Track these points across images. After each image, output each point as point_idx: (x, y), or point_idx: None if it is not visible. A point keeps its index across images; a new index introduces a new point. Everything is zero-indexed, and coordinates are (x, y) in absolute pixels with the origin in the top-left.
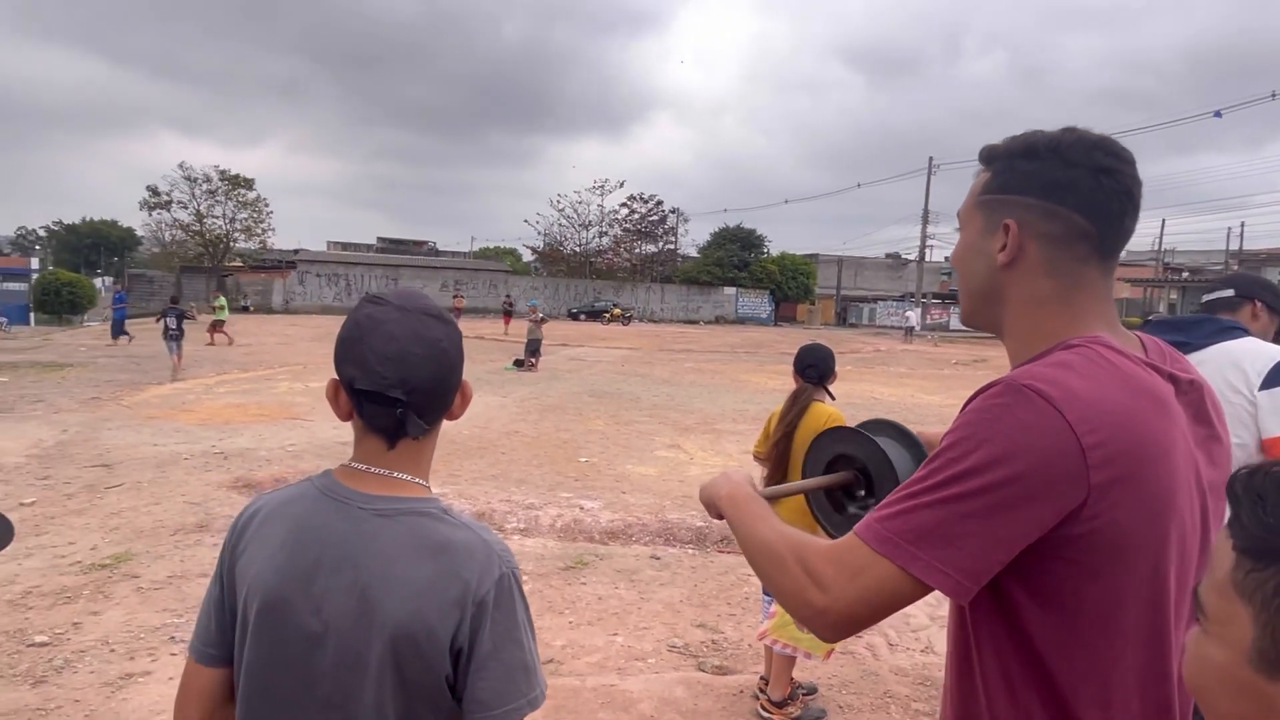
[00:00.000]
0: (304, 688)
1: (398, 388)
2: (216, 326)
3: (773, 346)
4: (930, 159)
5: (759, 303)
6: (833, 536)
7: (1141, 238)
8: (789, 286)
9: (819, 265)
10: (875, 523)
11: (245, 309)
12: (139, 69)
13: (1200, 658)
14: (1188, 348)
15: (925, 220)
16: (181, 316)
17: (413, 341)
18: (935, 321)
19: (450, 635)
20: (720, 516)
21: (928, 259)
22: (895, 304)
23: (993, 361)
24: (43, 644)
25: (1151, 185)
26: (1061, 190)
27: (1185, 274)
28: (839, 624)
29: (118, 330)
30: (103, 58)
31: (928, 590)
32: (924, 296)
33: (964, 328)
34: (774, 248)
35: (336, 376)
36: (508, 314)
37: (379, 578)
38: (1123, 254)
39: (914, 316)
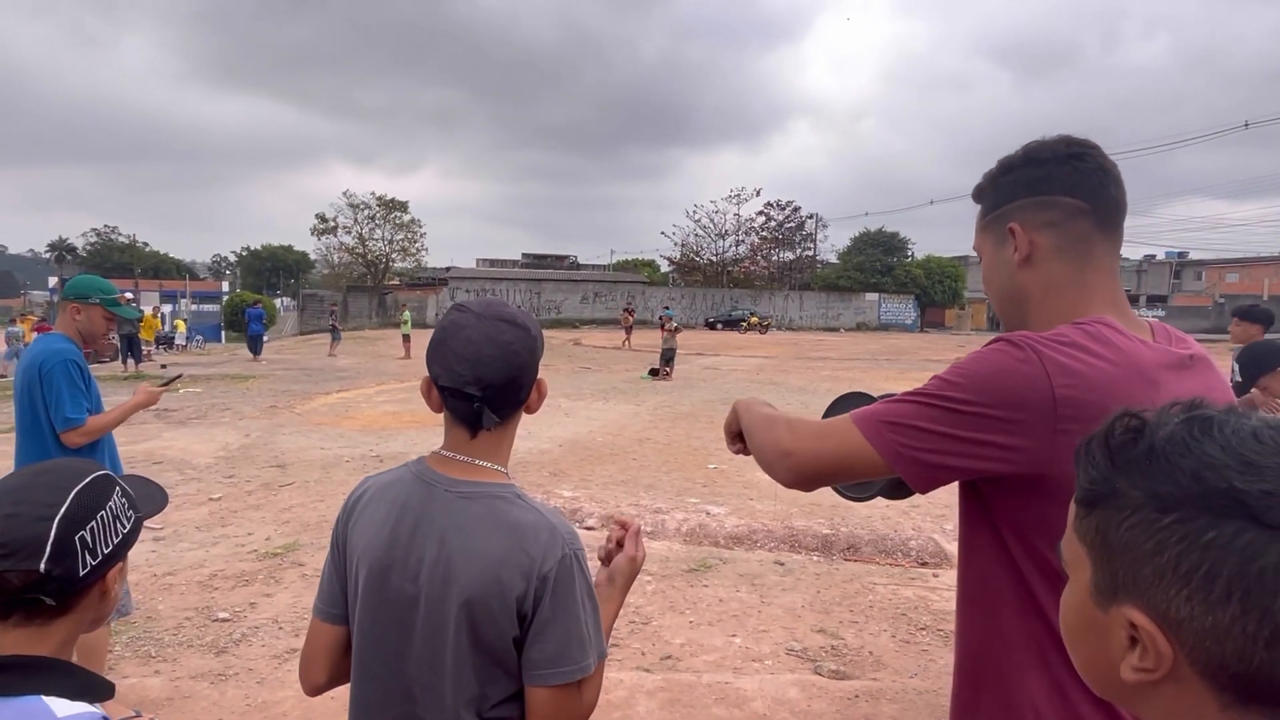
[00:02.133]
0: (405, 643)
1: (473, 385)
2: (406, 341)
3: (915, 354)
4: None
5: (903, 308)
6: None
7: None
8: (935, 291)
9: (968, 268)
10: (868, 414)
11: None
12: (316, 108)
13: (1065, 603)
14: None
15: None
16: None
17: (487, 344)
18: None
19: (517, 601)
20: (739, 440)
21: None
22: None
23: None
24: (224, 620)
25: None
26: (1045, 182)
27: None
28: (800, 466)
29: (256, 347)
30: (287, 101)
31: (887, 469)
32: None
33: None
34: (919, 251)
35: (428, 374)
36: (629, 325)
37: (459, 550)
38: None
39: None
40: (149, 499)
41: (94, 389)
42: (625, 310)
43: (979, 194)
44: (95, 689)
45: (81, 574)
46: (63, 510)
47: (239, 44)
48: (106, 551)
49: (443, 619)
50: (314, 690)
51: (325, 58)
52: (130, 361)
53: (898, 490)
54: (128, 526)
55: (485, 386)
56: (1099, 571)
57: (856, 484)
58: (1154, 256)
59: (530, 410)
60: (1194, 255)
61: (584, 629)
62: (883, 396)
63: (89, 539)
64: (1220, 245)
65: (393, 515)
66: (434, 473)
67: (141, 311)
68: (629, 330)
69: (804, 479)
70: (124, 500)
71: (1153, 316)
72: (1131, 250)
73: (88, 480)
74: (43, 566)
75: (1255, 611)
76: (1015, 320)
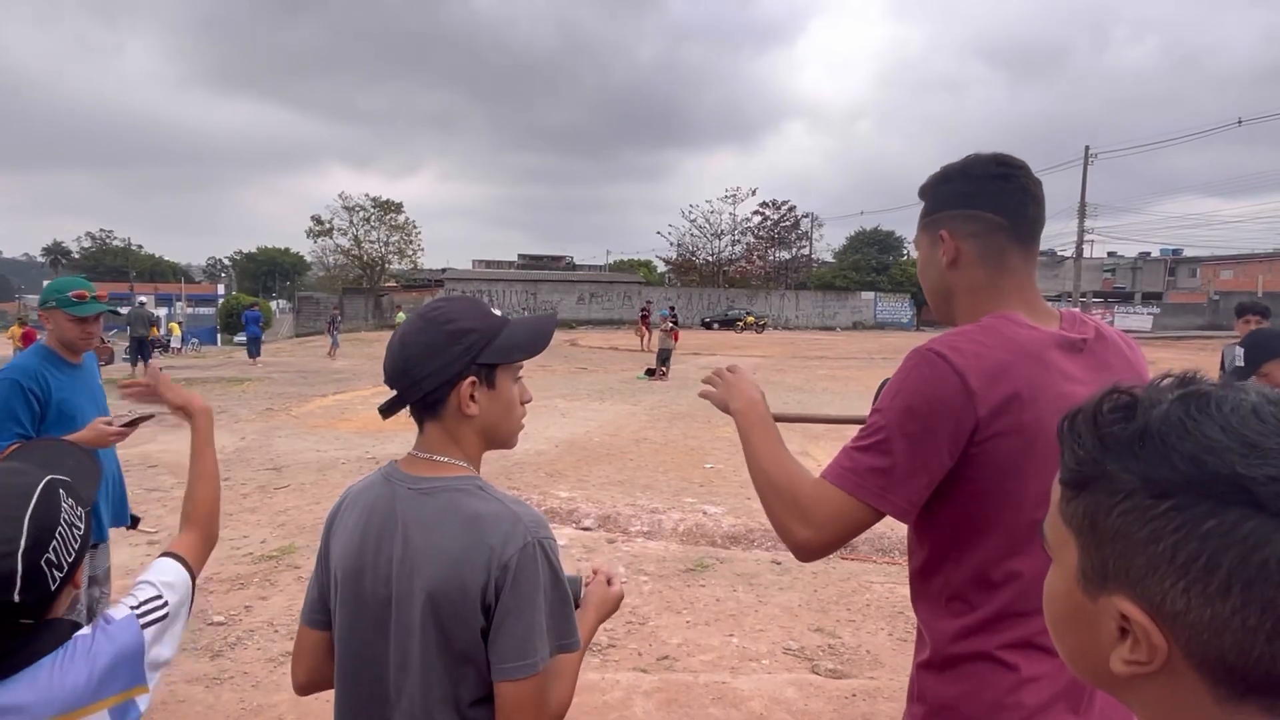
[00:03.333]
0: (381, 645)
1: (386, 376)
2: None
3: None
4: (1086, 149)
5: (899, 307)
6: None
7: None
8: None
9: None
10: (839, 468)
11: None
12: (315, 112)
13: (1049, 589)
14: None
15: (1082, 214)
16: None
17: (394, 340)
18: None
19: (480, 593)
20: (726, 410)
21: (1086, 255)
22: (1050, 304)
23: (1161, 364)
24: (219, 623)
25: None
26: (973, 197)
27: None
28: (819, 552)
29: (254, 350)
30: (286, 105)
31: (881, 515)
32: (1083, 295)
33: (1128, 329)
34: (915, 250)
35: None
36: (646, 322)
37: (421, 547)
38: None
39: None
40: (83, 476)
41: (51, 409)
42: (642, 312)
43: (922, 193)
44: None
45: (54, 589)
46: (22, 544)
47: (238, 49)
48: (71, 560)
49: (411, 618)
50: (299, 689)
51: (324, 62)
52: (141, 364)
53: None
54: (82, 527)
55: (389, 379)
56: (1087, 558)
57: None
58: (1149, 254)
59: (464, 409)
60: (1189, 252)
61: (543, 620)
62: None
63: (54, 558)
64: (1214, 242)
65: (363, 519)
66: (400, 472)
67: (113, 308)
68: (649, 329)
69: (818, 556)
70: (71, 500)
71: (1147, 313)
72: (1126, 248)
73: (35, 501)
74: (16, 598)
75: (1257, 604)
76: (941, 310)
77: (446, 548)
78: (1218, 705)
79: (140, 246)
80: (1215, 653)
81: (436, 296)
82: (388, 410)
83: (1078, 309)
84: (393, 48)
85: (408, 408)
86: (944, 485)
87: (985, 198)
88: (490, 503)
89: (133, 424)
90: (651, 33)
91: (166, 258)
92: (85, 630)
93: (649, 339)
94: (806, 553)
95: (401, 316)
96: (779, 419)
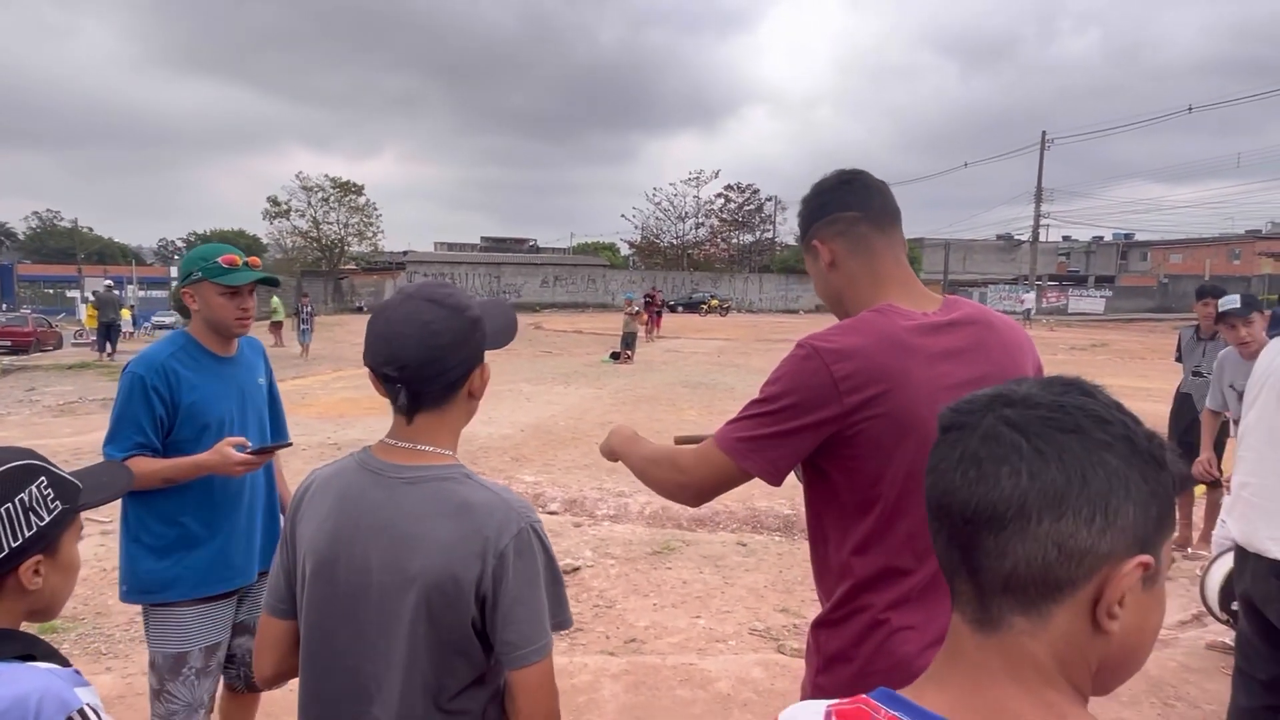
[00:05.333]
0: (356, 637)
1: (389, 365)
2: (275, 328)
3: None
4: (1043, 134)
5: None
6: None
7: None
8: None
9: (924, 250)
10: (723, 434)
11: (360, 309)
12: (275, 93)
13: None
14: None
15: (1039, 198)
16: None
17: (404, 324)
18: (1051, 305)
19: (474, 584)
20: (615, 458)
21: (1041, 239)
22: (1007, 288)
23: (1113, 346)
24: None
25: None
26: (826, 206)
27: None
28: (697, 494)
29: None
30: (245, 85)
31: (747, 474)
32: (1039, 279)
33: (1082, 311)
34: None
35: None
36: (655, 312)
37: (409, 537)
38: (1265, 227)
39: (1029, 300)
40: (101, 487)
41: (180, 413)
42: (647, 298)
43: (799, 226)
44: (47, 654)
45: None
46: None
47: (197, 28)
48: (14, 545)
49: (396, 611)
50: (264, 683)
51: (285, 43)
52: (110, 350)
53: None
54: (46, 519)
55: (401, 367)
56: None
57: None
58: (1102, 238)
59: (474, 395)
60: (1139, 237)
61: (547, 602)
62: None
63: None
64: (1163, 227)
65: (337, 507)
66: (378, 460)
67: (272, 276)
68: (658, 316)
69: (700, 499)
70: (48, 491)
71: (1100, 296)
72: (1081, 232)
73: None
74: None
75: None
76: (839, 311)
77: (437, 537)
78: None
79: (89, 228)
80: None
81: (435, 280)
82: (414, 408)
83: (959, 295)
84: (355, 27)
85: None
86: (825, 462)
87: (837, 201)
88: (479, 491)
89: (262, 451)
90: (614, 17)
91: (116, 239)
92: (43, 666)
93: (654, 329)
94: (690, 495)
95: (277, 303)
96: (680, 440)
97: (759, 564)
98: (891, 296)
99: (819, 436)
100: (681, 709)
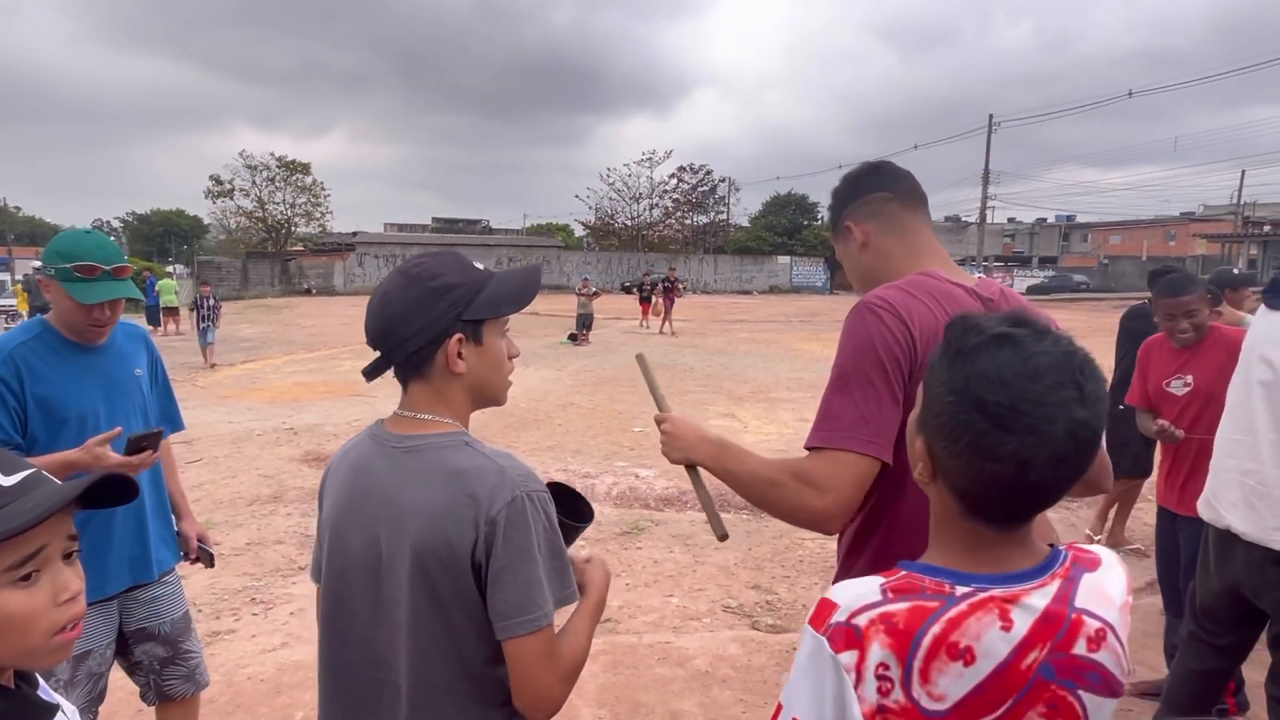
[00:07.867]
0: (369, 603)
1: (369, 337)
2: (170, 314)
3: (828, 315)
4: (990, 116)
5: (814, 271)
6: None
7: (1219, 191)
8: None
9: None
10: (827, 433)
11: (308, 291)
12: (220, 70)
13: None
14: None
15: (986, 180)
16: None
17: (375, 298)
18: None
19: (469, 551)
20: (689, 464)
21: (989, 220)
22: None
23: (1061, 325)
24: None
25: (1230, 135)
26: (856, 192)
27: (1267, 228)
28: (842, 513)
29: (154, 317)
30: (189, 62)
31: (878, 462)
32: (985, 259)
33: (1031, 292)
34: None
35: None
36: (645, 299)
37: (407, 506)
38: (1198, 209)
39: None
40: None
41: (30, 406)
42: (665, 283)
43: (829, 218)
44: None
45: None
46: None
47: (140, 3)
48: None
49: (401, 578)
50: None
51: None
52: None
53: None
54: None
55: (372, 338)
56: (919, 410)
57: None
58: (1045, 220)
59: (451, 369)
60: (1080, 219)
61: (541, 572)
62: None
63: None
64: (1102, 209)
65: (349, 478)
66: (384, 431)
67: (135, 295)
68: (670, 304)
69: (842, 520)
70: None
71: (1044, 277)
72: (1024, 214)
73: None
74: None
75: (969, 470)
76: (872, 286)
77: (430, 505)
78: (962, 516)
79: (18, 208)
80: (951, 483)
81: (417, 255)
82: (372, 372)
83: (983, 275)
84: (304, 4)
85: (392, 368)
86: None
87: (867, 185)
88: (475, 458)
89: (135, 448)
90: None
91: (49, 220)
92: None
93: (666, 317)
94: (831, 519)
95: (168, 284)
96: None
97: (729, 542)
98: (931, 265)
99: (904, 389)
100: (661, 686)
